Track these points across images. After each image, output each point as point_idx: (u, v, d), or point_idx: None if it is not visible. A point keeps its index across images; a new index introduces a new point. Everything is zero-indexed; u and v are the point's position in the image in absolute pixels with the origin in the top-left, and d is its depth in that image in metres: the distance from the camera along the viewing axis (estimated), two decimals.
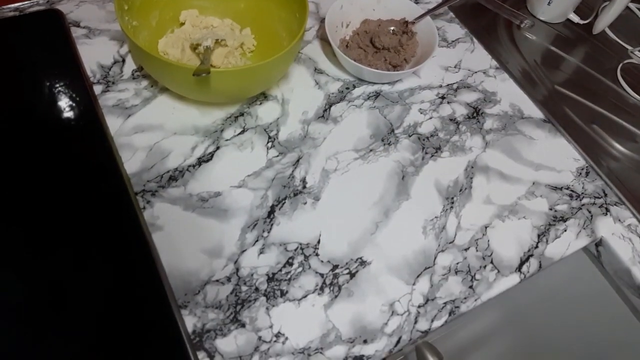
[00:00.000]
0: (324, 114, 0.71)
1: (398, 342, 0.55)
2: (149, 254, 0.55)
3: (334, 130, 0.70)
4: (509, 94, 0.79)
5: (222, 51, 0.70)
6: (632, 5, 0.99)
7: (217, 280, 0.55)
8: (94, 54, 0.71)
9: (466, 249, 0.62)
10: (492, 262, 0.62)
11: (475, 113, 0.75)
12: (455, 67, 0.80)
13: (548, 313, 0.90)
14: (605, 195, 0.70)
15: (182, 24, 0.74)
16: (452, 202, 0.65)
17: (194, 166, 0.63)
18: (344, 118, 0.71)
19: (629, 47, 0.92)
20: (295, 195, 0.63)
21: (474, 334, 1.00)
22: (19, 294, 0.52)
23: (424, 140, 0.71)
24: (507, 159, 0.71)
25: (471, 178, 0.68)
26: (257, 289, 0.55)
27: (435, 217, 0.64)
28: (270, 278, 0.56)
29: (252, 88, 0.67)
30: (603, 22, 0.90)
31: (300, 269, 0.58)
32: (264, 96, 0.71)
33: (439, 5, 0.79)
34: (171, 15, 0.74)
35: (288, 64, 0.69)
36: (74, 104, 0.65)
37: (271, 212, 0.61)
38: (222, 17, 0.76)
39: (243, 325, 0.53)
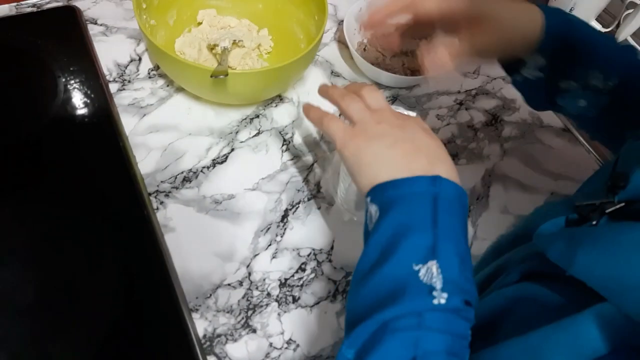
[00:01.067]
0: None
1: None
2: (161, 255, 0.55)
3: None
4: None
5: (239, 52, 0.70)
6: None
7: (229, 284, 0.55)
8: (111, 51, 0.70)
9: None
10: None
11: (494, 120, 0.74)
12: (474, 72, 0.79)
13: None
14: None
15: (200, 23, 0.73)
16: (469, 211, 0.64)
17: (208, 168, 0.62)
18: None
19: None
20: (309, 199, 0.62)
21: None
22: (30, 294, 0.51)
23: None
24: (525, 167, 0.70)
25: (488, 187, 0.67)
26: (269, 294, 0.55)
27: None
28: (283, 283, 0.56)
29: (268, 90, 0.66)
30: (626, 31, 0.88)
31: (313, 275, 0.57)
32: (279, 98, 0.70)
33: None
34: (189, 15, 0.73)
35: (305, 67, 0.68)
36: (89, 102, 0.65)
37: (285, 216, 0.60)
38: (239, 18, 0.75)
39: (254, 331, 0.52)
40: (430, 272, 0.34)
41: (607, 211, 0.36)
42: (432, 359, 0.32)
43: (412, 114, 0.53)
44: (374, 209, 0.40)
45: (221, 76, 0.55)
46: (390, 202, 0.38)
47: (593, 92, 0.48)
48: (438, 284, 0.34)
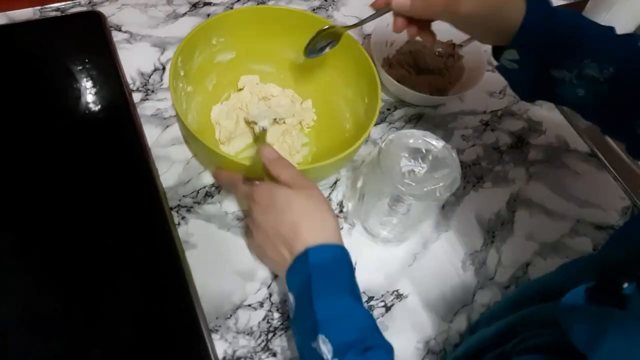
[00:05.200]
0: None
1: None
2: (182, 273, 0.54)
3: (373, 152, 0.68)
4: (555, 124, 0.76)
5: (279, 128, 0.65)
6: None
7: (250, 305, 0.54)
8: (134, 60, 0.70)
9: (506, 287, 0.60)
10: None
11: (520, 143, 0.73)
12: (500, 92, 0.78)
13: None
14: None
15: (241, 89, 0.68)
16: (493, 237, 0.63)
17: None
18: (384, 141, 0.69)
19: None
20: None
21: None
22: (47, 310, 0.51)
23: (465, 168, 0.68)
24: (551, 193, 0.69)
25: (513, 212, 0.66)
26: (289, 317, 0.54)
27: (476, 251, 0.62)
28: None
29: None
30: None
31: None
32: None
33: None
34: (229, 79, 0.67)
35: (345, 164, 0.63)
36: (111, 111, 0.64)
37: None
38: (283, 87, 0.69)
39: (274, 355, 0.51)
40: (321, 345, 0.38)
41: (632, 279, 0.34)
42: None
43: (440, 143, 0.52)
44: (290, 299, 0.45)
45: (256, 182, 0.50)
46: (293, 294, 0.44)
47: (590, 81, 0.47)
48: (328, 353, 0.38)
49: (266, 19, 0.63)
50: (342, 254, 0.44)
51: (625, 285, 0.34)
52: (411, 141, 0.52)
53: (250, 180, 0.50)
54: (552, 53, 0.47)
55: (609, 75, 0.46)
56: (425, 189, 0.50)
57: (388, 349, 0.41)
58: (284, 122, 0.66)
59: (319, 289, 0.40)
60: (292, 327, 0.43)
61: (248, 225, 0.50)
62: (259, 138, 0.61)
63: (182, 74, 0.58)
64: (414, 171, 0.52)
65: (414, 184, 0.49)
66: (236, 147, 0.63)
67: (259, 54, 0.67)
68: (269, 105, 0.67)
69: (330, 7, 0.81)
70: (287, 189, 0.46)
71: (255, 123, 0.62)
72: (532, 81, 0.50)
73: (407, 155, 0.52)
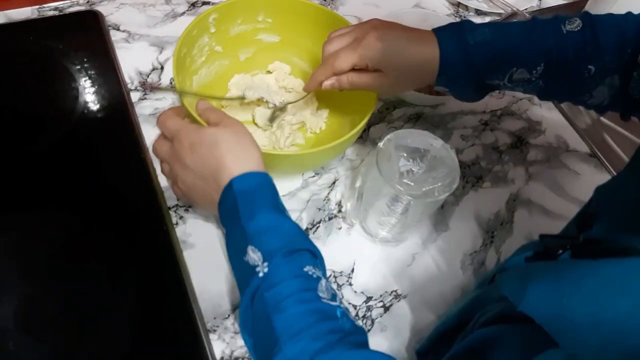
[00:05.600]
0: (362, 135, 0.69)
1: None
2: (179, 273, 0.54)
3: (371, 152, 0.67)
4: (554, 124, 0.76)
5: (269, 114, 0.65)
6: None
7: None
8: (133, 59, 0.69)
9: None
10: None
11: (519, 142, 0.73)
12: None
13: None
14: None
15: (269, 72, 0.70)
16: (492, 237, 0.63)
17: None
18: (382, 140, 0.69)
19: None
20: (330, 219, 0.61)
21: None
22: (44, 311, 0.50)
23: (464, 168, 0.68)
24: (550, 193, 0.68)
25: (513, 212, 0.66)
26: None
27: (475, 251, 0.61)
28: None
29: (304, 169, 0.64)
30: None
31: None
32: None
33: None
34: (264, 59, 0.69)
35: (333, 155, 0.63)
36: (109, 111, 0.64)
37: None
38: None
39: None
40: (251, 254, 0.41)
41: (567, 248, 0.36)
42: (285, 305, 0.38)
43: (439, 142, 0.51)
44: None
45: (173, 93, 0.51)
46: (224, 225, 0.46)
47: (523, 82, 0.51)
48: (258, 260, 0.40)
49: (314, 18, 0.64)
50: (265, 179, 0.46)
51: (560, 252, 0.37)
52: (409, 141, 0.52)
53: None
54: (478, 73, 0.51)
55: (539, 72, 0.49)
56: (423, 189, 0.49)
57: (314, 252, 0.43)
58: (279, 111, 0.65)
59: (245, 209, 0.43)
60: (229, 258, 0.45)
61: (168, 172, 0.51)
62: (273, 117, 0.64)
63: (212, 30, 0.61)
64: (412, 171, 0.51)
65: (412, 183, 0.49)
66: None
67: (300, 48, 0.69)
68: (268, 86, 0.69)
69: (329, 6, 0.81)
70: (213, 127, 0.47)
71: (263, 99, 0.64)
72: (470, 93, 0.54)
73: (405, 155, 0.52)
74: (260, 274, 0.40)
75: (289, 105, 0.66)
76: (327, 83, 0.54)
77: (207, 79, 0.66)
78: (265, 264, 0.40)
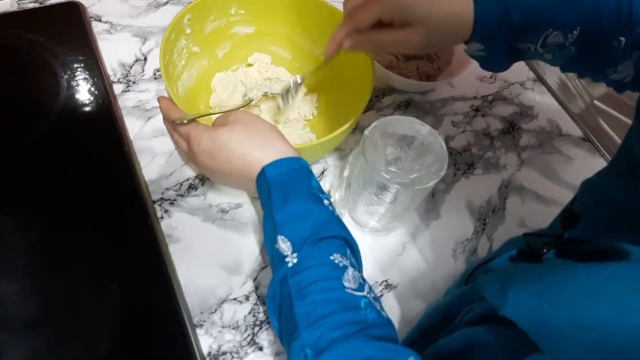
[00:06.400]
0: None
1: None
2: (165, 267, 0.53)
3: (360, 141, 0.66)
4: (547, 108, 0.75)
5: (275, 108, 0.64)
6: None
7: (235, 299, 0.53)
8: (115, 50, 0.68)
9: None
10: None
11: (511, 128, 0.71)
12: (490, 77, 0.76)
13: None
14: None
15: (250, 65, 0.68)
16: (484, 224, 0.62)
17: None
18: (369, 127, 0.67)
19: None
20: None
21: None
22: (29, 307, 0.49)
23: (456, 155, 0.67)
24: (543, 179, 0.67)
25: (505, 198, 0.65)
26: None
27: (466, 239, 0.60)
28: None
29: None
30: None
31: None
32: None
33: None
34: (242, 53, 0.68)
35: (329, 148, 0.62)
36: (92, 104, 0.63)
37: None
38: (293, 74, 0.69)
39: (260, 349, 0.50)
40: (281, 244, 0.40)
41: (551, 247, 0.36)
42: (307, 291, 0.38)
43: (426, 129, 0.50)
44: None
45: (184, 121, 0.49)
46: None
47: (556, 47, 0.47)
48: (288, 250, 0.40)
49: (287, 4, 0.63)
50: (297, 164, 0.45)
51: (545, 250, 0.36)
52: (396, 128, 0.51)
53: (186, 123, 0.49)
54: (513, 33, 0.46)
55: (574, 37, 0.46)
56: (411, 177, 0.48)
57: (347, 239, 0.42)
58: (281, 108, 0.63)
59: (278, 197, 0.42)
60: (264, 242, 0.45)
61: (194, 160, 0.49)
62: (244, 107, 0.62)
63: (188, 31, 0.59)
64: (399, 158, 0.50)
65: (398, 171, 0.48)
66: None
67: (277, 37, 0.67)
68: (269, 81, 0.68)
69: None
70: (222, 128, 0.46)
71: (271, 94, 0.63)
72: (499, 59, 0.50)
73: (392, 142, 0.50)
74: (290, 264, 0.39)
75: (279, 88, 0.64)
76: (347, 43, 0.49)
77: (190, 82, 0.63)
78: (295, 254, 0.40)
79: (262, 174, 0.44)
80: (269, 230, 0.43)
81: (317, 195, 0.44)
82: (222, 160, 0.46)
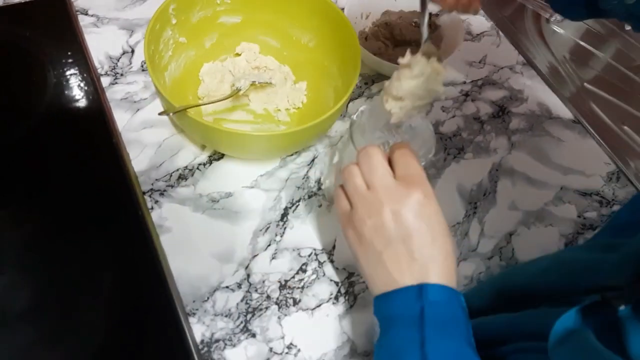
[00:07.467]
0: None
1: None
2: (156, 257, 0.53)
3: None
4: (537, 92, 0.75)
5: (266, 97, 0.65)
6: None
7: (227, 287, 0.53)
8: (102, 43, 0.68)
9: (489, 258, 0.59)
10: None
11: (501, 112, 0.71)
12: (480, 62, 0.76)
13: None
14: None
15: (238, 55, 0.68)
16: (475, 207, 0.62)
17: (204, 164, 0.60)
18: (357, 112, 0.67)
19: None
20: (309, 197, 0.60)
21: None
22: (21, 300, 0.49)
23: (446, 140, 0.67)
24: (533, 161, 0.67)
25: (495, 182, 0.65)
26: (268, 297, 0.53)
27: (458, 223, 0.61)
28: (283, 285, 0.54)
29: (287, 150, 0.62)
30: None
31: (314, 276, 0.55)
32: None
33: None
34: (230, 43, 0.67)
35: (314, 134, 0.60)
36: (80, 97, 0.63)
37: (284, 215, 0.58)
38: (281, 63, 0.68)
39: (253, 336, 0.50)
40: None
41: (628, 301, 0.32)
42: None
43: (422, 122, 0.50)
44: (375, 322, 0.40)
45: (170, 113, 0.49)
46: (384, 321, 0.39)
47: None
48: None
49: None
50: (457, 298, 0.39)
51: (622, 307, 0.33)
52: (384, 111, 0.51)
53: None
54: None
55: None
56: None
57: None
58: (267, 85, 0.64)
59: (431, 331, 0.36)
60: (377, 352, 0.39)
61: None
62: (232, 97, 0.61)
63: (174, 22, 0.59)
64: (388, 142, 0.50)
65: None
66: (212, 106, 0.63)
67: (265, 26, 0.67)
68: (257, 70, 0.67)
69: None
70: (419, 193, 0.40)
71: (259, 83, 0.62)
72: (581, 7, 0.48)
73: (380, 126, 0.51)
74: None
75: (268, 77, 0.65)
76: None
77: (177, 72, 0.63)
78: None
79: (419, 291, 0.38)
80: (403, 355, 0.37)
81: (474, 344, 0.38)
82: (409, 225, 0.39)
